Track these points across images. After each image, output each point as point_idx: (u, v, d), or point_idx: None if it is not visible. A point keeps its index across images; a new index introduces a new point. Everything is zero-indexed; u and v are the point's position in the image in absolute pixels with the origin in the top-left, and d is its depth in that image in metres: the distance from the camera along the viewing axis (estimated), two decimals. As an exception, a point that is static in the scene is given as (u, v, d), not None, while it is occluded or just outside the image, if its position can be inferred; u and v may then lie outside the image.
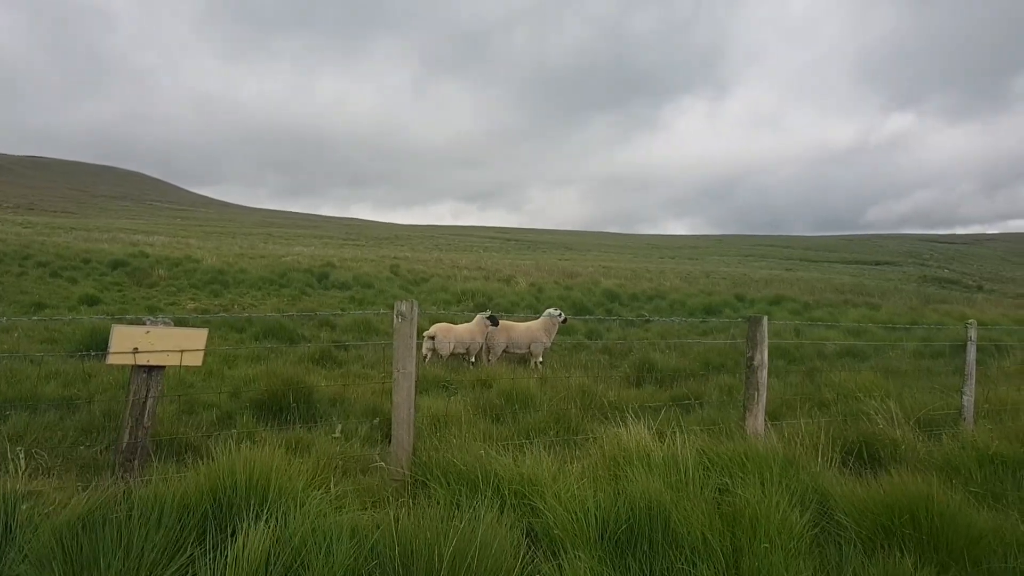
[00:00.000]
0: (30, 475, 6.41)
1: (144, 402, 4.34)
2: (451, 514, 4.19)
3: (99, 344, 10.95)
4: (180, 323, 13.17)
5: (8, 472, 4.23)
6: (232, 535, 3.84)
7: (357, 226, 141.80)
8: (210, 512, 4.05)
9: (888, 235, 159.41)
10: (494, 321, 13.23)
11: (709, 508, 4.66)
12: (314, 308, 18.81)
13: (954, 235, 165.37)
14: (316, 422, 8.10)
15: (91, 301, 17.71)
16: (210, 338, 13.50)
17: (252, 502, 4.10)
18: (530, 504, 4.53)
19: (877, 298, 34.20)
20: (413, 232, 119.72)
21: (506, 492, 4.63)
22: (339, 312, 17.23)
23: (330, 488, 4.65)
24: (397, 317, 5.14)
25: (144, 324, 4.33)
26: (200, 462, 4.59)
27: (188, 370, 10.68)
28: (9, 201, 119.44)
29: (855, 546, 4.66)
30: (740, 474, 5.29)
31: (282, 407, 8.35)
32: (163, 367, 4.42)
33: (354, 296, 22.82)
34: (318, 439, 7.16)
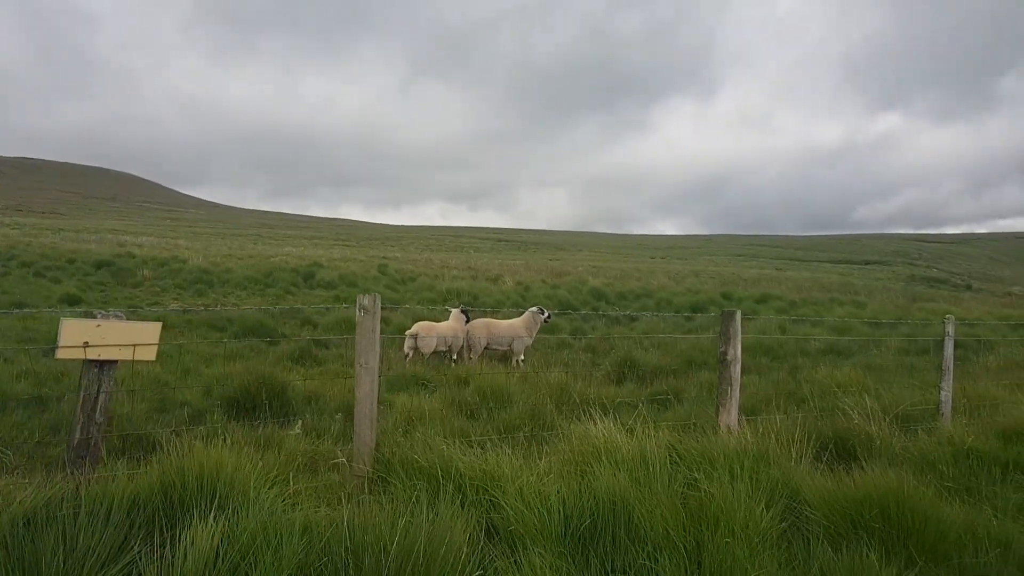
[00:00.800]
0: (-7, 474, 6.36)
1: (96, 397, 4.25)
2: (408, 509, 4.11)
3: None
4: (155, 319, 13.03)
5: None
6: (182, 531, 3.75)
7: (348, 227, 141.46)
8: (160, 509, 3.96)
9: (877, 235, 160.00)
10: (465, 312, 13.29)
11: (674, 503, 4.59)
12: (298, 307, 18.69)
13: (943, 234, 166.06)
14: (289, 419, 8.01)
15: (72, 300, 17.56)
16: (190, 336, 13.35)
17: (203, 499, 4.01)
18: (492, 499, 4.45)
19: (864, 296, 34.26)
20: (404, 233, 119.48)
21: (468, 488, 4.55)
22: (322, 308, 17.13)
23: (289, 485, 4.56)
24: (360, 311, 5.05)
25: (95, 317, 4.23)
26: (157, 457, 4.51)
27: (165, 368, 10.59)
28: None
29: (822, 541, 4.60)
30: (709, 469, 5.23)
31: (255, 404, 8.25)
32: (115, 362, 4.32)
33: (339, 295, 22.70)
34: (288, 437, 7.08)
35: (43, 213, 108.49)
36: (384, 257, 48.48)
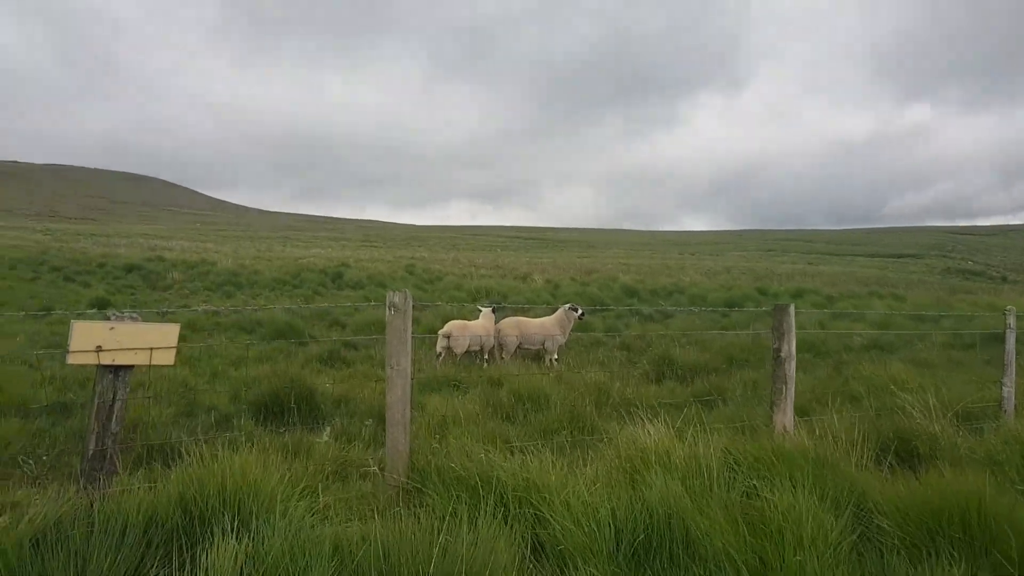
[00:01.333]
0: (14, 484, 6.11)
1: (111, 406, 3.96)
2: (447, 525, 3.77)
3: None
4: (175, 322, 12.81)
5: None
6: (204, 551, 3.44)
7: (375, 228, 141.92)
8: (179, 527, 3.66)
9: (909, 228, 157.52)
10: (495, 311, 13.00)
11: (734, 514, 4.22)
12: (327, 308, 18.47)
13: (976, 227, 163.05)
14: (319, 424, 7.73)
15: (102, 304, 17.45)
16: (219, 338, 13.15)
17: (226, 514, 3.71)
18: (537, 513, 4.10)
19: (902, 289, 33.47)
20: (430, 233, 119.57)
21: (510, 499, 4.20)
22: (350, 307, 16.89)
23: (319, 496, 4.25)
24: (390, 309, 4.72)
25: (108, 319, 3.94)
26: (177, 468, 4.22)
27: (192, 371, 10.36)
28: (31, 209, 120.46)
29: (899, 553, 4.20)
30: (768, 475, 4.84)
31: (284, 408, 7.98)
32: (131, 367, 4.03)
33: (367, 295, 22.48)
34: (317, 443, 6.79)
35: (74, 219, 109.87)
36: (411, 257, 48.36)
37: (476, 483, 4.30)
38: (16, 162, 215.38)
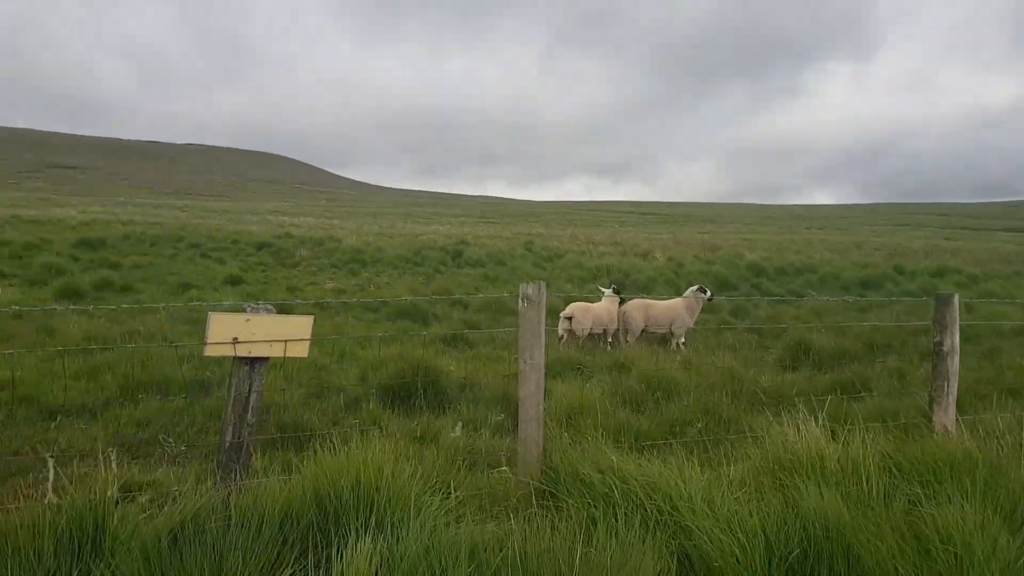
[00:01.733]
0: (154, 461, 6.31)
1: (247, 397, 3.93)
2: (585, 534, 3.56)
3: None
4: (317, 304, 13.01)
5: (107, 469, 3.86)
6: (339, 551, 3.35)
7: (492, 204, 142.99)
8: (315, 523, 3.59)
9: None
10: (618, 292, 12.68)
11: (899, 529, 3.83)
12: (448, 286, 18.57)
13: None
14: (445, 409, 7.68)
15: (235, 281, 18.11)
16: (345, 317, 13.35)
17: (360, 511, 3.61)
18: (680, 523, 3.83)
19: (1055, 268, 31.03)
20: (547, 208, 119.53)
21: (648, 506, 3.95)
22: (481, 296, 16.92)
23: (451, 492, 4.11)
24: (523, 301, 4.53)
25: (244, 311, 3.91)
26: (310, 460, 4.16)
27: (321, 350, 10.54)
28: (170, 187, 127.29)
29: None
30: (934, 483, 4.41)
31: (410, 392, 7.96)
32: (266, 359, 3.99)
33: (487, 273, 22.51)
34: (445, 429, 6.71)
35: (209, 196, 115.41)
36: (529, 233, 48.34)
37: (612, 484, 4.07)
38: (157, 142, 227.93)
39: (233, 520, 3.49)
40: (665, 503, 3.95)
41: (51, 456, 3.85)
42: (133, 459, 6.25)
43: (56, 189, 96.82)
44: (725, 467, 4.75)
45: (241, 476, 3.90)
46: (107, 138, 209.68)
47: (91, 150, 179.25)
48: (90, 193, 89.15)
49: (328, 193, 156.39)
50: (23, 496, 4.79)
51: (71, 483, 3.91)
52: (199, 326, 12.12)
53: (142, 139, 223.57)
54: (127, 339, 10.14)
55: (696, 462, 4.58)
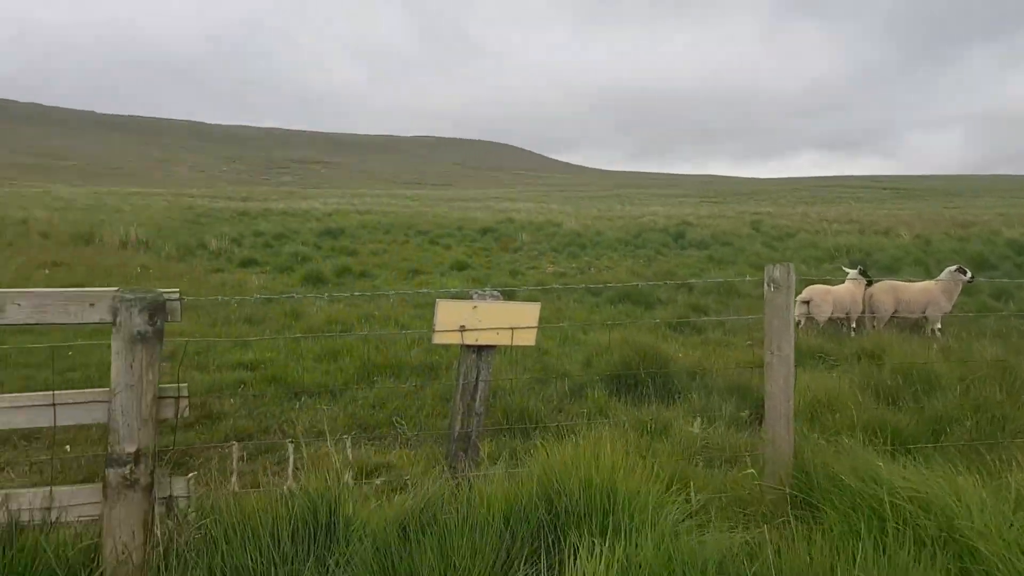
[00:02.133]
0: (389, 443, 6.45)
1: (474, 386, 3.80)
2: (848, 550, 3.10)
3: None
4: (539, 288, 13.02)
5: (342, 455, 3.87)
6: (573, 555, 3.12)
7: (714, 182, 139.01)
8: (545, 523, 3.38)
9: None
10: (864, 273, 11.56)
11: None
12: (670, 268, 18.03)
13: None
14: (673, 398, 7.30)
15: (460, 266, 18.62)
16: (567, 300, 13.26)
17: (593, 513, 3.36)
18: (965, 543, 3.25)
19: None
20: (774, 186, 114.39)
21: (923, 521, 3.39)
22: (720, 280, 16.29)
23: (690, 495, 3.77)
24: (768, 285, 4.07)
25: (471, 298, 3.77)
26: (538, 452, 3.97)
27: (544, 334, 10.49)
28: (401, 178, 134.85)
29: None
30: None
31: (636, 380, 7.64)
32: (493, 347, 3.84)
33: (712, 255, 21.67)
34: (675, 420, 6.35)
35: (436, 185, 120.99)
36: (755, 213, 46.33)
37: (873, 493, 3.54)
38: (389, 136, 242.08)
39: (461, 513, 3.36)
40: (940, 517, 3.38)
41: (291, 441, 3.90)
42: (369, 440, 6.43)
43: (302, 183, 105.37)
44: (1007, 475, 4.05)
45: (469, 467, 3.77)
46: (344, 133, 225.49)
47: (331, 146, 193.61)
48: (332, 186, 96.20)
49: (546, 178, 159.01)
50: (270, 473, 5.01)
51: (310, 464, 3.98)
52: (427, 310, 12.53)
53: (375, 133, 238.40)
54: (363, 323, 10.59)
55: (968, 468, 3.94)
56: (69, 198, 45.36)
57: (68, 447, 5.61)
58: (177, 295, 3.36)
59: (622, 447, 4.09)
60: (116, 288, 3.32)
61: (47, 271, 15.30)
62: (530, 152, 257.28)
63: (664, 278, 16.31)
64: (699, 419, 5.54)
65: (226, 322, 10.58)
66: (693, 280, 15.82)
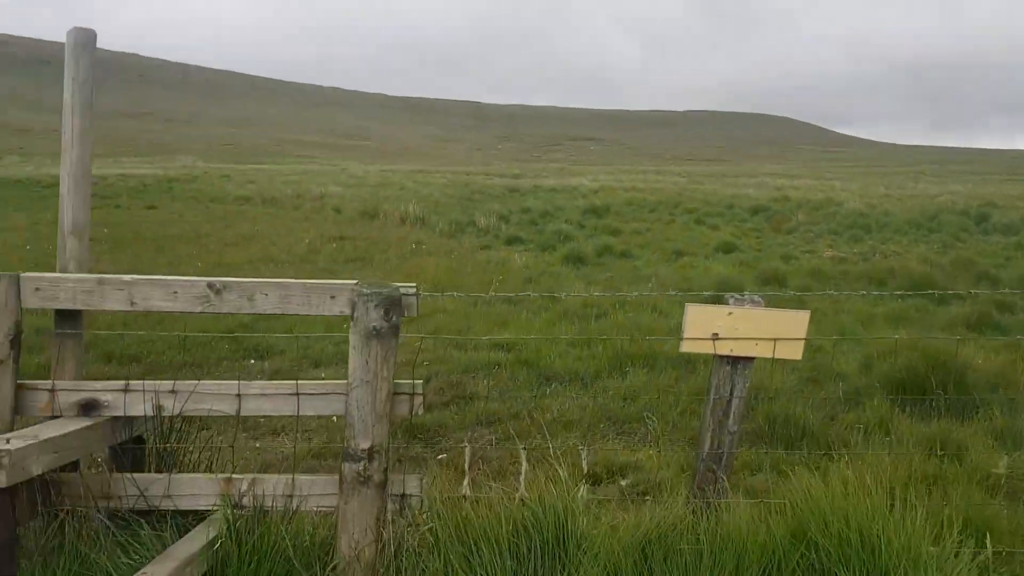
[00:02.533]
0: (639, 440, 6.14)
1: (728, 401, 3.37)
2: None
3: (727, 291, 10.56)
4: (812, 275, 12.02)
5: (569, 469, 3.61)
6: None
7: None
8: (798, 569, 2.89)
9: None
10: None
11: None
12: (970, 256, 15.92)
13: None
14: (971, 413, 6.29)
15: (727, 248, 17.70)
16: (844, 289, 12.13)
17: (853, 563, 2.82)
18: None
19: None
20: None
21: None
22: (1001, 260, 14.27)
23: (985, 543, 3.08)
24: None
25: (728, 303, 3.33)
26: (798, 475, 3.45)
27: (817, 328, 9.60)
28: (670, 153, 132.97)
29: None
30: None
31: (924, 388, 6.68)
32: (751, 359, 3.37)
33: (1021, 242, 18.93)
34: (972, 440, 5.45)
35: (708, 161, 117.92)
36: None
37: None
38: (660, 111, 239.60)
39: (703, 546, 2.97)
40: None
41: (524, 448, 3.71)
42: (618, 435, 6.17)
43: (573, 160, 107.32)
44: None
45: (717, 491, 3.36)
46: (617, 110, 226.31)
47: (603, 122, 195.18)
48: (602, 163, 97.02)
49: (829, 153, 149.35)
50: (508, 474, 4.87)
51: (547, 466, 3.77)
52: (689, 296, 11.97)
53: (646, 108, 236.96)
54: (618, 308, 10.30)
55: None
56: (361, 176, 49.51)
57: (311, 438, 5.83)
58: (413, 290, 3.26)
59: (904, 472, 3.47)
60: (355, 281, 3.29)
61: (334, 244, 16.63)
62: (812, 125, 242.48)
63: (962, 268, 14.44)
64: (1005, 457, 4.63)
65: (488, 301, 10.78)
66: (991, 268, 13.90)
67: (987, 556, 3.10)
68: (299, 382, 3.33)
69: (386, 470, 3.21)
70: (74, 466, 3.41)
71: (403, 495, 3.35)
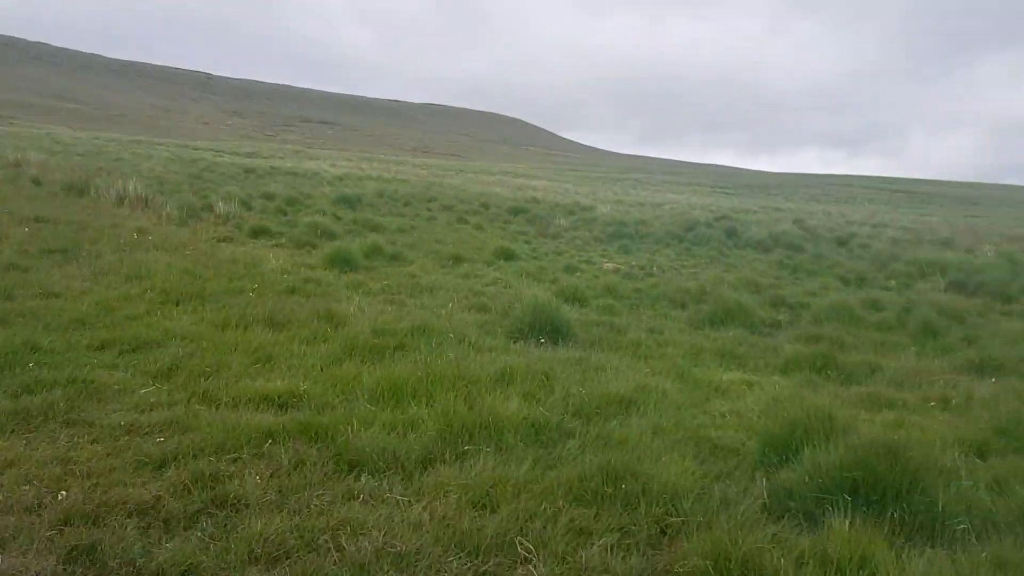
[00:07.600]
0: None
1: None
2: None
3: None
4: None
5: None
6: None
7: (723, 173, 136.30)
8: None
9: None
10: None
11: None
12: (750, 277, 15.43)
13: None
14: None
15: (506, 255, 15.92)
16: (652, 317, 10.63)
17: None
18: None
19: None
20: (783, 180, 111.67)
21: None
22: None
23: None
24: None
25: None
26: None
27: (655, 371, 8.01)
28: (407, 144, 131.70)
29: None
30: None
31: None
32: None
33: (783, 262, 19.11)
34: None
35: (444, 154, 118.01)
36: (778, 209, 44.07)
37: None
38: (397, 101, 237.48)
39: None
40: None
41: None
42: None
43: (307, 142, 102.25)
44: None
45: None
46: (353, 95, 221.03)
47: (338, 106, 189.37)
48: (337, 147, 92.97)
49: (554, 155, 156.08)
50: None
51: None
52: (487, 314, 9.94)
53: (382, 97, 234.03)
54: (419, 335, 8.03)
55: None
56: (69, 142, 42.52)
57: None
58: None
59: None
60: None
61: (27, 228, 12.55)
62: (539, 128, 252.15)
63: (748, 288, 13.83)
64: None
65: (242, 322, 8.04)
66: (784, 294, 13.40)
67: None
68: None
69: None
70: None
71: None
